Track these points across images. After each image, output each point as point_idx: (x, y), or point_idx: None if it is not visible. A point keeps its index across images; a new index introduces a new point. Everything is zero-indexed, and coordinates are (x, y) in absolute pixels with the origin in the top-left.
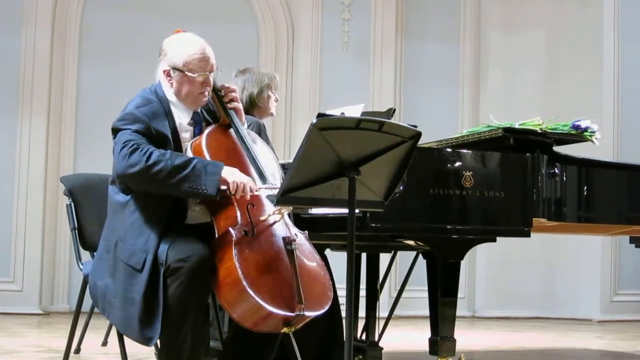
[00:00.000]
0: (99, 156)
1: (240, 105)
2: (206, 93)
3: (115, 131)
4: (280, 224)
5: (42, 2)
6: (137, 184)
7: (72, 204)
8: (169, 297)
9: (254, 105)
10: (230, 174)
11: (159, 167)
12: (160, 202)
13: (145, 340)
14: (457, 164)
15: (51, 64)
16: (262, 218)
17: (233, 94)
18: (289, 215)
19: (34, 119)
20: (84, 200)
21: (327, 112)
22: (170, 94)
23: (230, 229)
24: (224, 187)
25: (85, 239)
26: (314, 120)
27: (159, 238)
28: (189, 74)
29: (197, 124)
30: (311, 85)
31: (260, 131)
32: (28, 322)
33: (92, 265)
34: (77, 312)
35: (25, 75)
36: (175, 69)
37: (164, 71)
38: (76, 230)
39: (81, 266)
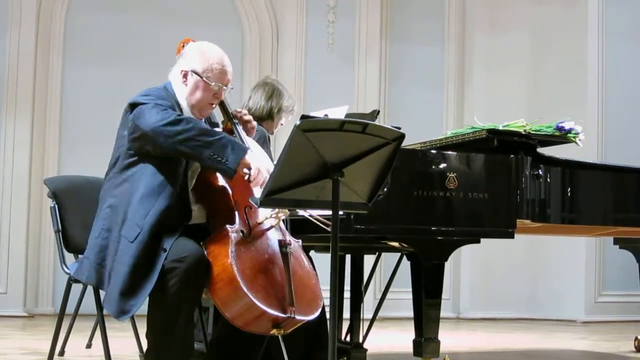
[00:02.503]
0: (83, 158)
1: (255, 124)
2: (214, 105)
3: (134, 106)
4: (276, 228)
5: (26, 3)
6: (164, 140)
7: (56, 206)
8: (161, 296)
9: (267, 117)
10: (256, 160)
11: (189, 126)
12: (168, 182)
13: (120, 313)
14: (441, 165)
15: (35, 65)
16: (259, 221)
17: (247, 117)
18: (284, 221)
19: (18, 121)
20: (68, 203)
21: (311, 114)
22: (180, 95)
23: (228, 227)
24: (245, 170)
25: (69, 242)
26: (298, 122)
27: (157, 216)
28: (207, 81)
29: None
30: (296, 87)
31: (264, 140)
32: (12, 325)
33: (91, 249)
34: (62, 315)
35: (9, 77)
36: (194, 72)
37: (181, 71)
38: (60, 233)
39: (65, 268)
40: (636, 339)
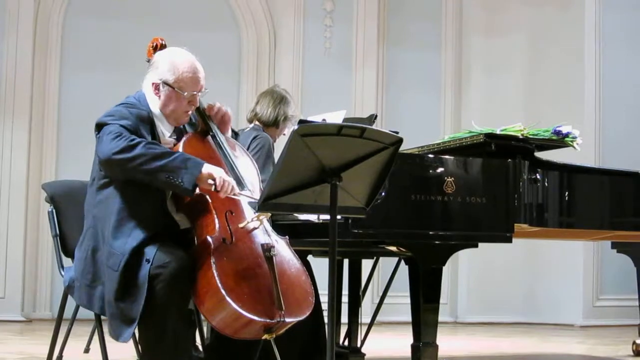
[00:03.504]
0: (81, 163)
1: (230, 115)
2: (190, 112)
3: (100, 126)
4: (260, 230)
5: (24, 8)
6: (117, 168)
7: (54, 210)
8: (149, 302)
9: (273, 124)
10: (217, 171)
11: (140, 152)
12: (145, 205)
13: (131, 323)
14: (439, 169)
15: (33, 70)
16: (241, 225)
17: (222, 109)
18: (268, 221)
19: (16, 126)
20: (66, 207)
21: (309, 119)
22: (154, 106)
23: (208, 237)
24: (210, 182)
25: (67, 246)
26: (296, 127)
27: (138, 241)
28: (179, 91)
29: (179, 138)
30: (293, 92)
31: (269, 149)
32: (10, 329)
33: (78, 268)
34: (60, 319)
35: (7, 81)
36: (165, 83)
37: (152, 83)
38: (58, 237)
39: (63, 273)
40: (634, 343)
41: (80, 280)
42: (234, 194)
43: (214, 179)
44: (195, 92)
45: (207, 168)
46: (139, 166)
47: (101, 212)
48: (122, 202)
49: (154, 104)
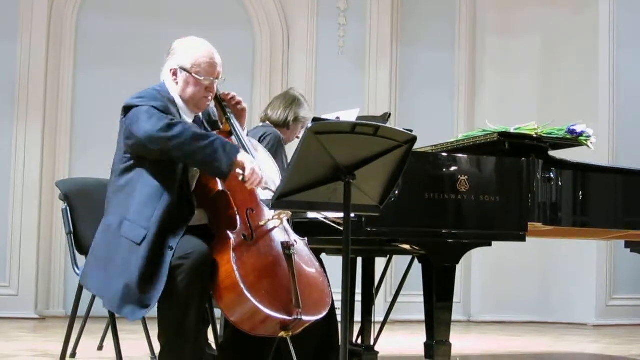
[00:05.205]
0: (94, 161)
1: (246, 107)
2: (209, 98)
3: (128, 109)
4: (280, 229)
5: (38, 8)
6: (157, 146)
7: (68, 208)
8: (171, 294)
9: (283, 125)
10: (250, 161)
11: (181, 131)
12: (171, 192)
13: (144, 306)
14: (453, 168)
15: (47, 69)
16: (262, 223)
17: (237, 98)
18: (288, 221)
19: (30, 124)
20: (80, 205)
21: (323, 117)
22: (174, 93)
23: (229, 232)
24: (239, 171)
25: (81, 244)
26: (310, 125)
27: (162, 217)
28: (196, 76)
29: (199, 126)
30: (306, 90)
31: (279, 145)
32: (24, 327)
33: (90, 260)
34: (73, 317)
35: (20, 80)
36: (182, 69)
37: (170, 70)
38: (72, 235)
39: (77, 270)
40: None
41: (95, 269)
42: (262, 188)
43: (243, 169)
44: (212, 79)
45: (242, 156)
46: (178, 145)
47: (123, 196)
48: (148, 185)
49: (174, 92)
